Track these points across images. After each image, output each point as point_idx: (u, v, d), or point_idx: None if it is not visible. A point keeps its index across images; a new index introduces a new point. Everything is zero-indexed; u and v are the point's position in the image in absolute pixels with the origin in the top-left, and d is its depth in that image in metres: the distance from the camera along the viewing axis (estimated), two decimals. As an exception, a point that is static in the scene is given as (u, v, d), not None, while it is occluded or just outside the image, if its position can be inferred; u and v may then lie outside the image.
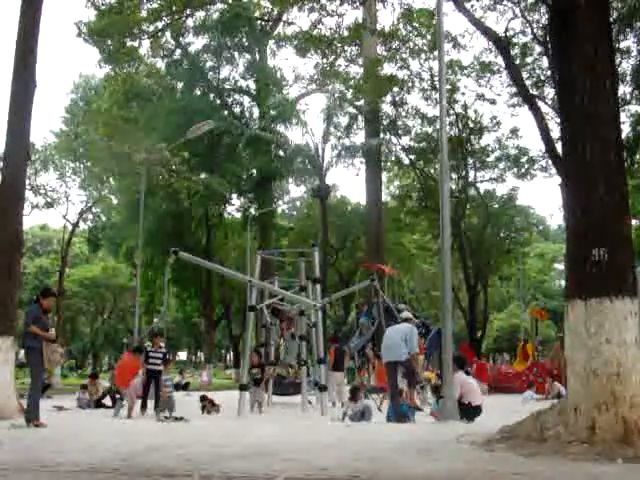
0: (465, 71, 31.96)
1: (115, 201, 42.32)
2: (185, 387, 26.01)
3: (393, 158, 39.25)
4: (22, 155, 12.70)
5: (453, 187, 35.12)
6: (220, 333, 55.50)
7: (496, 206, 40.18)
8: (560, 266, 54.77)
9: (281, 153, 36.83)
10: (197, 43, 38.89)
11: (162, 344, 14.29)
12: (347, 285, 38.43)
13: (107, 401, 16.64)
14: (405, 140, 37.44)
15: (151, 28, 30.78)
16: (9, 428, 9.24)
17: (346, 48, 28.63)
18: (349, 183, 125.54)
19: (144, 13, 28.63)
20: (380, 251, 34.49)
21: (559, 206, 42.65)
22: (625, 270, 6.55)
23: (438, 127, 14.91)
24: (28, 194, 33.61)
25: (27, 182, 19.44)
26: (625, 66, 23.70)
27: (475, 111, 35.78)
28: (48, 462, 6.03)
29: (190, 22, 34.99)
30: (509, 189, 40.49)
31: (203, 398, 15.74)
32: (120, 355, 37.47)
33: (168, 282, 37.99)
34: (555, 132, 18.17)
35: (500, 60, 25.74)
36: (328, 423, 11.53)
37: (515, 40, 25.01)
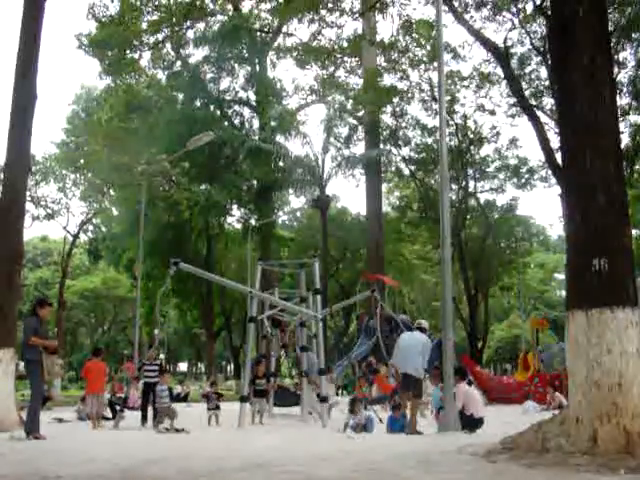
0: (465, 82, 32.09)
1: (115, 212, 42.36)
2: (185, 398, 25.91)
3: (393, 169, 39.35)
4: (23, 167, 12.73)
5: (453, 197, 35.17)
6: (220, 344, 55.40)
7: (496, 216, 40.23)
8: (561, 276, 54.68)
9: (281, 164, 36.86)
10: (197, 54, 39.17)
11: (162, 356, 14.22)
12: (348, 296, 38.34)
13: (107, 413, 16.56)
14: (405, 151, 37.59)
15: (151, 40, 31.12)
16: (9, 440, 9.21)
17: (346, 59, 28.95)
18: (349, 194, 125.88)
19: (144, 25, 28.92)
20: (380, 262, 34.46)
21: (559, 216, 42.76)
22: (626, 280, 6.53)
23: (438, 138, 14.93)
24: (29, 206, 33.72)
25: (27, 193, 19.44)
26: (622, 77, 23.81)
27: (475, 122, 35.91)
28: (48, 474, 6.00)
29: (190, 34, 35.28)
30: (509, 199, 40.66)
31: (213, 384, 15.68)
32: (119, 367, 37.35)
33: (167, 293, 37.78)
34: (555, 142, 18.24)
35: (499, 71, 25.87)
36: (328, 434, 11.48)
37: (513, 50, 25.14)
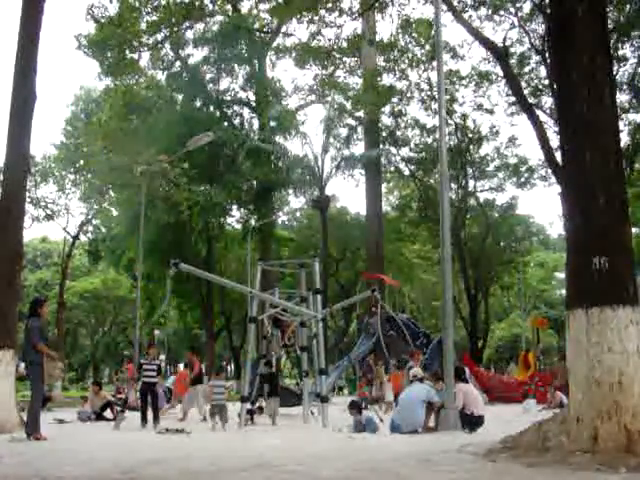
0: (463, 81, 32.11)
1: (115, 213, 42.34)
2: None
3: (393, 169, 39.40)
4: (22, 168, 12.72)
5: (453, 197, 35.18)
6: (221, 345, 55.37)
7: (496, 215, 40.25)
8: (561, 275, 54.65)
9: (281, 164, 36.85)
10: (197, 55, 39.08)
11: (163, 356, 14.26)
12: (348, 295, 38.34)
13: (107, 414, 16.55)
14: (404, 151, 37.62)
15: (151, 40, 31.06)
16: (9, 441, 9.20)
17: (345, 59, 28.88)
18: (349, 194, 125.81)
19: (144, 25, 28.87)
20: (380, 261, 34.46)
21: (559, 215, 42.82)
22: (626, 278, 6.53)
23: (437, 137, 14.92)
24: (28, 207, 33.68)
25: (27, 194, 19.46)
26: (621, 74, 23.81)
27: (474, 121, 35.93)
28: (48, 475, 6.00)
29: (190, 34, 35.22)
30: (509, 198, 40.72)
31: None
32: (120, 368, 37.47)
33: (170, 294, 37.72)
34: (554, 141, 18.23)
35: (498, 69, 25.88)
36: (329, 434, 11.47)
37: (512, 50, 25.15)
